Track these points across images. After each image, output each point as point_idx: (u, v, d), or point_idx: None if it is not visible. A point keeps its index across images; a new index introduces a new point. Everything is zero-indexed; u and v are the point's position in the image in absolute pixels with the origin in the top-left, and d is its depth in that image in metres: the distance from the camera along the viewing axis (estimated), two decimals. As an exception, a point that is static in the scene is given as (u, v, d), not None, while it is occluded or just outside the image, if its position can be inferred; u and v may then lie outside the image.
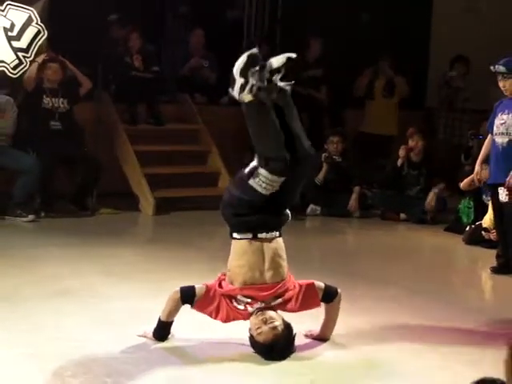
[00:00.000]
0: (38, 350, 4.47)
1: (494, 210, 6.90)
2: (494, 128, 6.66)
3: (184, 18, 10.82)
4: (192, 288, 4.64)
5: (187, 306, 4.60)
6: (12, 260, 6.53)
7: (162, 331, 4.71)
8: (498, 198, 6.60)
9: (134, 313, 5.21)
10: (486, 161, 6.89)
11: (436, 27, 12.06)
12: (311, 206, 9.34)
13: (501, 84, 6.62)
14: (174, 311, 4.66)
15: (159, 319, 4.69)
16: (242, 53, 4.75)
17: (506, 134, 6.57)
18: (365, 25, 11.28)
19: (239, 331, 4.64)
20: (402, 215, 9.22)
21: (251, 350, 4.51)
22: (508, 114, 6.58)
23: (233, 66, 4.74)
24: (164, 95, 10.08)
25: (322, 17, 10.97)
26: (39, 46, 8.83)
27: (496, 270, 6.79)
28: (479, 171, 6.87)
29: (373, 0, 11.42)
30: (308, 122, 10.83)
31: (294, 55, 4.68)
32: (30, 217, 8.12)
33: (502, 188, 6.52)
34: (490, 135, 6.84)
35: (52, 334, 4.76)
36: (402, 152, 9.20)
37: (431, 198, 9.03)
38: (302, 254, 7.36)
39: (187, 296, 4.61)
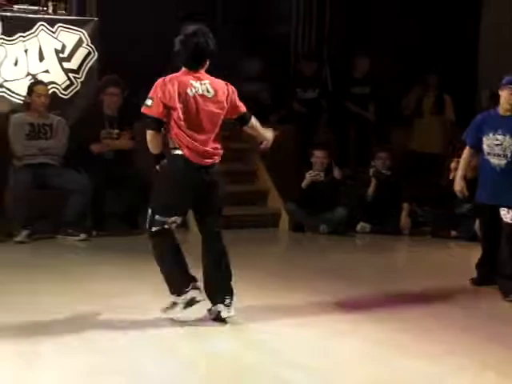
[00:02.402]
0: (91, 368, 4.50)
1: (484, 225, 6.92)
2: (485, 147, 6.59)
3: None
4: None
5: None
6: (64, 278, 6.60)
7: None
8: (489, 217, 6.63)
9: (184, 331, 5.23)
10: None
11: (483, 43, 11.96)
12: (361, 224, 9.31)
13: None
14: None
15: None
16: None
17: (503, 156, 6.50)
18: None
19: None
20: (453, 232, 9.15)
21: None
22: (504, 135, 6.48)
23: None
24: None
25: (370, 33, 10.96)
26: (90, 67, 8.96)
27: (476, 282, 6.79)
28: (464, 186, 6.82)
29: (420, 16, 11.39)
30: (355, 138, 10.87)
31: None
32: (82, 235, 8.20)
33: (506, 209, 6.47)
34: (468, 148, 6.79)
35: (104, 350, 4.79)
36: (454, 165, 9.08)
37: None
38: (350, 270, 7.34)
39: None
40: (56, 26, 8.82)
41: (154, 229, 5.34)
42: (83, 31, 8.90)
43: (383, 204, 9.34)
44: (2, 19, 8.55)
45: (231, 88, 5.45)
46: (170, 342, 5.03)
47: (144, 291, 6.12)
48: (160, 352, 4.82)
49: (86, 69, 8.97)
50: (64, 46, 8.88)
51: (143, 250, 7.93)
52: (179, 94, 5.18)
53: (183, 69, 5.32)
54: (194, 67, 5.29)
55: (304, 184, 9.26)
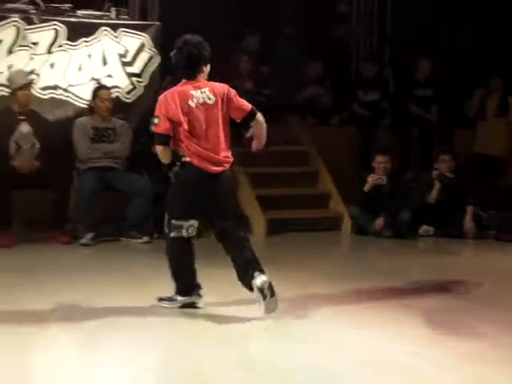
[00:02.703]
0: (148, 367, 4.54)
1: None
2: None
3: (292, 39, 10.91)
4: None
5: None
6: (128, 280, 6.67)
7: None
8: None
9: (247, 332, 5.26)
10: None
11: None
12: (424, 227, 9.23)
13: None
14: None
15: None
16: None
17: None
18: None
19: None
20: (518, 236, 9.02)
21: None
22: None
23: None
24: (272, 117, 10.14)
25: (432, 35, 10.87)
26: (152, 71, 9.03)
27: None
28: None
29: (483, 17, 11.26)
30: (418, 140, 10.78)
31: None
32: (145, 238, 8.28)
33: None
34: None
35: (164, 351, 4.83)
36: None
37: None
38: (412, 273, 7.29)
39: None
40: (118, 31, 8.92)
41: (172, 234, 5.56)
42: (145, 35, 8.99)
43: (447, 207, 9.23)
44: (66, 25, 8.68)
45: (232, 91, 5.55)
46: (224, 344, 5.03)
47: (206, 293, 6.15)
48: (217, 353, 4.83)
49: (149, 73, 9.05)
50: (127, 51, 8.97)
51: (204, 253, 7.99)
52: (182, 108, 5.36)
53: (183, 80, 5.48)
54: (191, 76, 5.45)
55: (366, 188, 9.20)
